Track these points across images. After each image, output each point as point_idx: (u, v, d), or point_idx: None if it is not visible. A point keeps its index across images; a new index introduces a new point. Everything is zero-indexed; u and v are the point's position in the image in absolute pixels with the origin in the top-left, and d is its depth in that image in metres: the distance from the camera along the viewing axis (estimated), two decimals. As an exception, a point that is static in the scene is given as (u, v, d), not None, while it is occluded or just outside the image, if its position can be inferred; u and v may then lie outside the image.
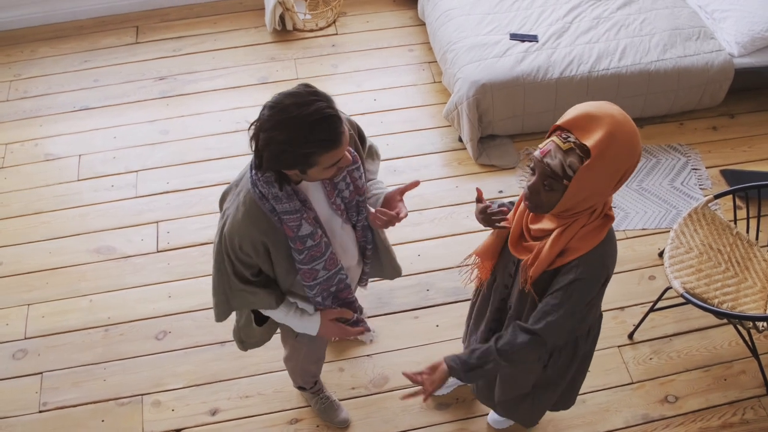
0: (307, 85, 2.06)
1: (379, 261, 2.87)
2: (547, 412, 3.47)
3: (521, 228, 2.36)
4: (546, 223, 2.24)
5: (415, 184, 2.54)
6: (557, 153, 2.05)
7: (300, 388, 3.42)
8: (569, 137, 2.04)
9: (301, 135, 2.00)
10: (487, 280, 2.67)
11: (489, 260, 2.57)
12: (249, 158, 3.94)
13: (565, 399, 2.97)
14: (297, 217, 2.25)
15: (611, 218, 2.22)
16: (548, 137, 2.12)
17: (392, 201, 2.58)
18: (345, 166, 2.20)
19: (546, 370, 2.72)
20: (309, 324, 2.63)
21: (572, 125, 2.04)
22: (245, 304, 2.52)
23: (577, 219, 2.18)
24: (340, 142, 2.06)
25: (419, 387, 2.49)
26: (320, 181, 2.32)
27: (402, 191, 2.57)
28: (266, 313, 2.60)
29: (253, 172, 2.22)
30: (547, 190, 2.10)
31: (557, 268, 2.27)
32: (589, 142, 2.00)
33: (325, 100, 2.03)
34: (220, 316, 2.59)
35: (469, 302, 3.50)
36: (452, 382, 3.51)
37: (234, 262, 2.35)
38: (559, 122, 2.07)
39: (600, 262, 2.22)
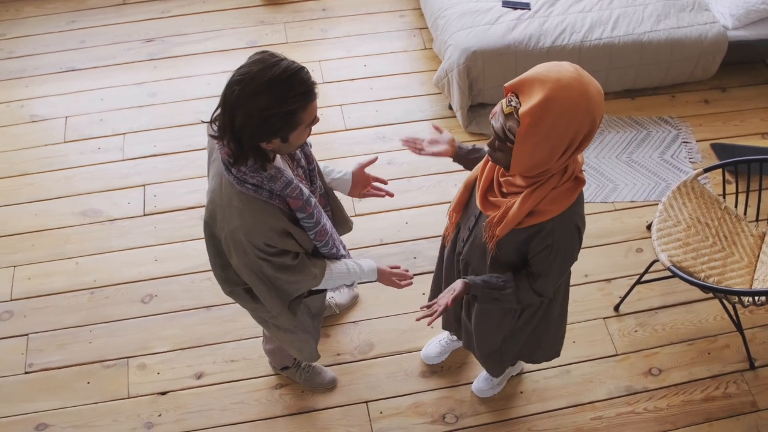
0: (263, 52, 2.03)
1: (337, 219, 2.87)
2: (533, 380, 3.50)
3: (491, 180, 2.35)
4: (516, 179, 2.22)
5: (374, 160, 2.73)
6: (500, 115, 2.04)
7: (284, 369, 3.43)
8: (512, 101, 2.01)
9: (281, 93, 1.96)
10: (452, 234, 2.67)
11: (457, 213, 2.58)
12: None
13: (545, 350, 3.01)
14: (296, 184, 2.22)
15: (582, 181, 2.20)
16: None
17: (364, 175, 2.76)
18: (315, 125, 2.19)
19: (515, 324, 2.76)
20: (368, 268, 2.63)
21: (518, 88, 2.00)
22: (305, 286, 2.45)
23: (549, 180, 2.16)
24: (316, 92, 2.04)
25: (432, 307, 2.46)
26: (283, 155, 2.30)
27: (364, 166, 2.73)
28: (331, 282, 2.56)
29: (233, 171, 2.14)
30: (498, 149, 2.11)
31: (527, 228, 2.26)
32: (524, 108, 1.96)
33: (286, 59, 2.01)
34: (292, 318, 2.55)
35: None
36: (447, 348, 3.52)
37: (272, 260, 2.27)
38: (507, 84, 2.03)
39: (573, 224, 2.23)
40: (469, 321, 2.89)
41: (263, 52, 2.02)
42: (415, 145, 2.64)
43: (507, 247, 2.35)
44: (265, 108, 1.96)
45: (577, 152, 2.07)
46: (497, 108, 2.06)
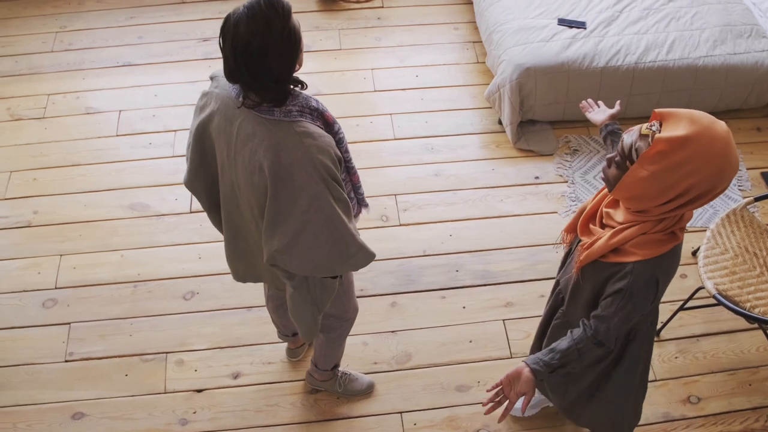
0: (224, 22, 2.15)
1: None
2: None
3: (596, 210, 2.35)
4: (617, 214, 2.22)
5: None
6: (635, 134, 2.03)
7: (334, 368, 3.38)
8: (654, 125, 2.00)
9: (279, 11, 2.10)
10: (566, 252, 2.69)
11: (571, 233, 2.58)
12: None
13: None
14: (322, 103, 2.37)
15: (677, 238, 2.16)
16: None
17: None
18: None
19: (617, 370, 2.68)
20: None
21: (666, 117, 1.99)
22: (355, 234, 2.46)
23: (642, 223, 2.14)
24: None
25: (499, 398, 2.36)
26: None
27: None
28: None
29: (276, 112, 2.24)
30: (615, 165, 2.10)
31: (610, 265, 2.24)
32: (662, 134, 1.95)
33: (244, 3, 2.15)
34: (370, 253, 2.50)
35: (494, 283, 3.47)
36: (538, 400, 3.42)
37: (341, 182, 2.34)
38: (658, 110, 2.03)
39: (653, 276, 2.17)
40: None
41: (224, 21, 2.14)
42: (588, 106, 2.72)
43: (588, 280, 2.34)
44: (282, 29, 2.10)
45: (682, 208, 2.04)
46: (635, 127, 2.06)
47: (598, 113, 2.68)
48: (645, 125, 2.01)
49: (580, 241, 2.42)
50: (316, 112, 2.34)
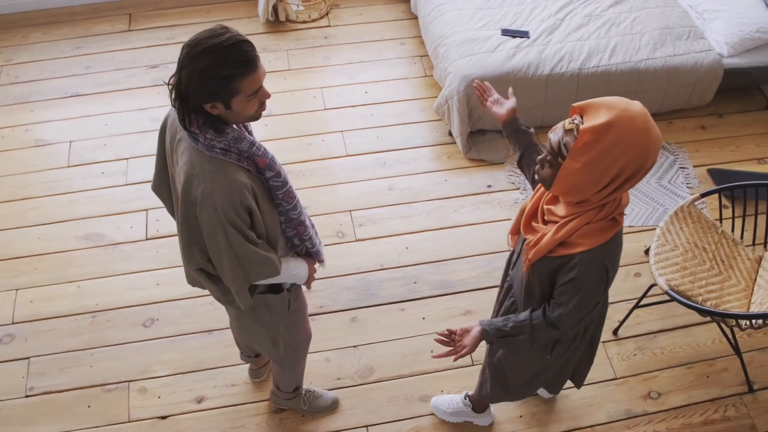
0: (221, 26, 2.14)
1: None
2: (533, 404, 3.51)
3: (537, 208, 2.40)
4: (558, 209, 2.27)
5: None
6: (560, 131, 2.09)
7: (296, 389, 3.39)
8: (575, 119, 2.06)
9: (218, 58, 2.07)
10: (511, 254, 2.74)
11: (512, 235, 2.63)
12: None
13: (554, 384, 3.02)
14: (260, 144, 2.32)
15: (618, 223, 2.22)
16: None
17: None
18: (266, 101, 2.27)
19: (548, 360, 2.76)
20: (300, 268, 2.64)
21: (585, 109, 2.06)
22: (262, 273, 2.46)
23: (585, 213, 2.19)
24: (257, 65, 2.14)
25: (449, 348, 2.57)
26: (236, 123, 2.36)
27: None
28: (284, 277, 2.60)
29: (201, 140, 2.23)
30: (548, 165, 2.15)
31: (558, 258, 2.29)
32: (585, 125, 2.01)
33: (235, 32, 2.12)
34: (247, 301, 2.54)
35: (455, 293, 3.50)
36: (460, 412, 3.44)
37: (243, 230, 2.32)
38: (575, 104, 2.09)
39: (599, 263, 2.24)
40: (492, 357, 2.92)
41: (220, 26, 2.14)
42: (483, 94, 2.75)
43: (539, 276, 2.38)
44: (203, 70, 2.08)
45: (619, 190, 2.10)
46: (559, 124, 2.12)
47: (496, 106, 2.72)
48: (567, 120, 2.08)
49: (525, 240, 2.48)
50: (245, 154, 2.29)
